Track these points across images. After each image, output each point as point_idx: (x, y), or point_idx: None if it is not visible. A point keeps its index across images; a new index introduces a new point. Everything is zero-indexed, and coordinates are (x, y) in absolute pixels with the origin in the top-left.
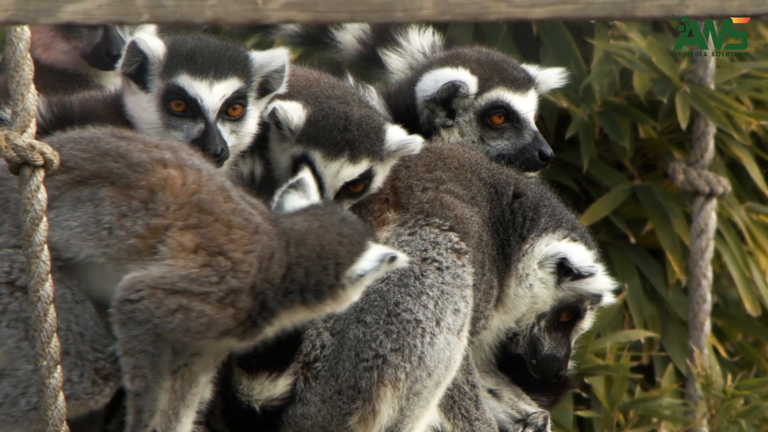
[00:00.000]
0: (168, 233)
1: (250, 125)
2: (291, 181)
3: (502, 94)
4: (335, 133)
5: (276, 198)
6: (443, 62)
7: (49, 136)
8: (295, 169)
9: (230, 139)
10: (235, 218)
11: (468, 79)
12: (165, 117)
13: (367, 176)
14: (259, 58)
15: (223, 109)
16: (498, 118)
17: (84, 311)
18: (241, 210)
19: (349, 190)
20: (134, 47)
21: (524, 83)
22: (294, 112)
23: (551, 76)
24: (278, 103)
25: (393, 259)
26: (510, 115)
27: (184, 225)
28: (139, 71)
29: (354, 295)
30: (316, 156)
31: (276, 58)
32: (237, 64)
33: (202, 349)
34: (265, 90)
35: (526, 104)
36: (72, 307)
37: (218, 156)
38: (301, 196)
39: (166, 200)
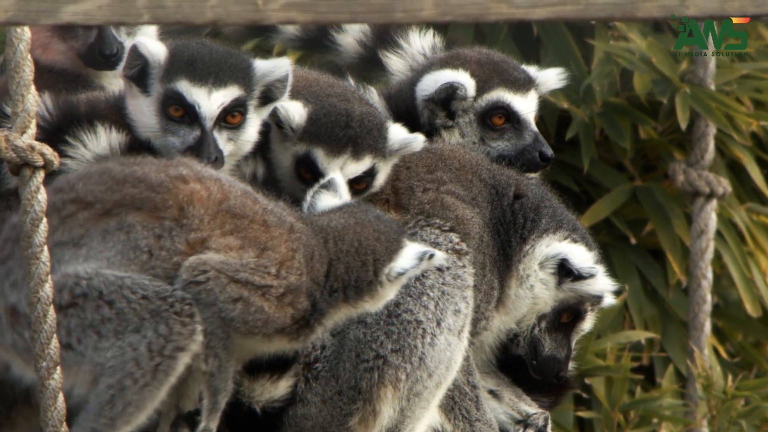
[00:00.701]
0: (209, 243)
1: (250, 133)
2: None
3: (502, 95)
4: (337, 129)
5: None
6: (443, 63)
7: (55, 179)
8: (297, 168)
9: (227, 147)
10: (268, 217)
11: (466, 82)
12: (163, 122)
13: (370, 173)
14: (261, 66)
15: (221, 117)
16: (498, 119)
17: (132, 275)
18: (272, 210)
19: (352, 187)
20: (135, 51)
21: (524, 84)
22: (295, 111)
23: (551, 77)
24: (279, 103)
25: (431, 256)
26: (510, 116)
27: (222, 232)
28: (140, 75)
29: (391, 293)
30: (319, 154)
31: (279, 67)
32: (238, 72)
33: (240, 348)
34: (267, 98)
35: (526, 105)
36: (122, 281)
37: (212, 164)
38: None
39: (198, 214)
